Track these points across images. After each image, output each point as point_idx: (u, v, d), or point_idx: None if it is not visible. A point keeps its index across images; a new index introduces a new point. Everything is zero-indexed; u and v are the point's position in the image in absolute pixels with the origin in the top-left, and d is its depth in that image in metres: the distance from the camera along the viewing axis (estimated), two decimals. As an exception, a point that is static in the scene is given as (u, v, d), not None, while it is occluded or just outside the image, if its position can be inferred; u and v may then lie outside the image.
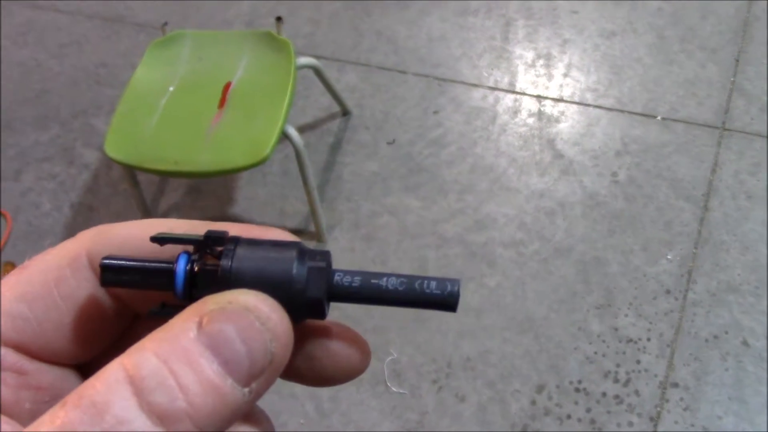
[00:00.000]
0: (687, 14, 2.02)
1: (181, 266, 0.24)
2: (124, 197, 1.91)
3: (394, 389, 1.48)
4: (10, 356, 0.24)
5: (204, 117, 1.56)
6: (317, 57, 1.93)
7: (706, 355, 1.43)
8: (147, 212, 1.82)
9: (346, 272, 0.25)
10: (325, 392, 1.49)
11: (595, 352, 1.46)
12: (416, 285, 0.25)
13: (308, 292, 0.24)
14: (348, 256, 1.68)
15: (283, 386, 1.49)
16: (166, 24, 1.72)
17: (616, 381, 1.42)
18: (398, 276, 0.25)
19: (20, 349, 0.24)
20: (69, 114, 2.18)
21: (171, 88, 1.63)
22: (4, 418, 0.23)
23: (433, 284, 0.25)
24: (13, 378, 0.24)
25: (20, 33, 2.47)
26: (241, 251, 0.24)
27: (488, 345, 1.50)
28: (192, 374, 0.20)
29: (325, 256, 0.25)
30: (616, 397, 1.41)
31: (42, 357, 0.25)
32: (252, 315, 0.22)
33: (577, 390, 1.42)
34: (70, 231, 1.88)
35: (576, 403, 1.41)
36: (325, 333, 0.27)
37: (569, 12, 2.12)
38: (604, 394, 1.41)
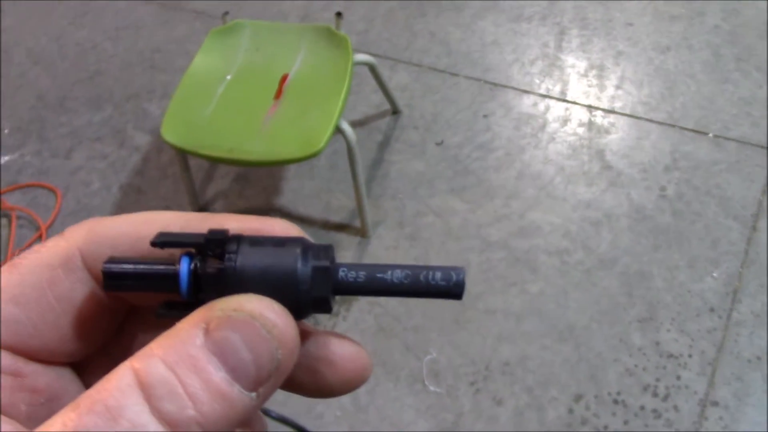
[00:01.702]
0: (745, 33, 2.01)
1: (184, 269, 0.24)
2: (172, 181, 1.94)
3: (431, 388, 1.49)
4: (6, 359, 0.24)
5: (260, 107, 1.58)
6: (370, 54, 1.95)
7: (748, 376, 1.42)
8: (195, 198, 1.85)
9: (350, 267, 0.25)
10: (362, 387, 1.50)
11: (636, 365, 1.46)
12: (421, 277, 0.25)
13: (314, 292, 0.24)
14: (392, 253, 1.69)
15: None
16: (227, 13, 1.75)
17: (656, 395, 1.42)
18: (403, 268, 0.25)
19: (16, 351, 0.24)
20: (122, 96, 2.22)
21: (228, 77, 1.65)
22: (4, 418, 0.23)
23: (438, 275, 0.25)
24: (10, 380, 0.24)
25: (78, 14, 2.52)
26: (244, 251, 0.24)
27: (528, 351, 1.51)
28: (200, 382, 0.20)
29: (329, 252, 0.25)
30: (655, 411, 1.40)
31: (38, 358, 0.25)
32: (258, 323, 0.22)
33: (616, 402, 1.42)
34: (119, 210, 1.91)
35: (614, 414, 1.40)
36: (326, 345, 0.27)
37: (624, 24, 2.11)
38: (642, 408, 1.41)
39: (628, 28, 2.10)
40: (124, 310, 0.27)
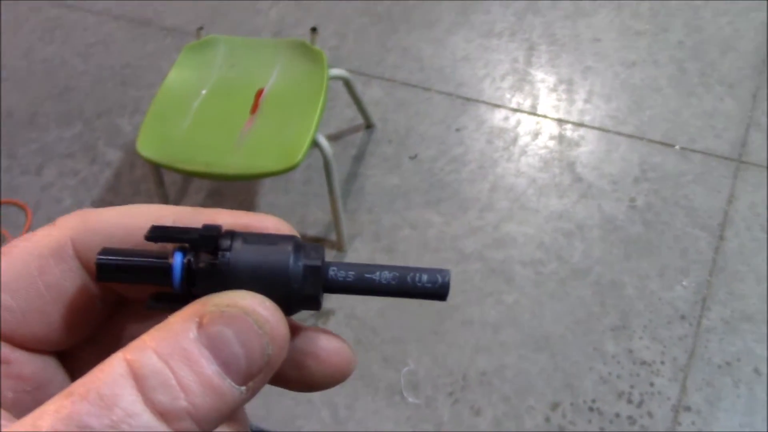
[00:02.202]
0: (707, 49, 2.07)
1: (177, 263, 0.24)
2: (146, 197, 1.93)
3: (410, 399, 1.49)
4: None
5: (236, 121, 1.58)
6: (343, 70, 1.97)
7: (718, 381, 1.45)
8: (170, 212, 1.84)
9: (340, 266, 0.26)
10: (341, 399, 1.51)
11: (610, 373, 1.48)
12: (408, 279, 0.26)
13: (305, 290, 0.25)
14: (368, 266, 1.70)
15: (300, 393, 1.51)
16: (201, 28, 1.75)
17: (630, 402, 1.44)
18: (391, 269, 0.26)
19: (3, 338, 0.24)
20: (93, 112, 2.20)
21: (204, 92, 1.65)
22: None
23: (425, 277, 0.26)
24: None
25: (48, 30, 2.50)
26: (237, 247, 0.24)
27: (504, 360, 1.53)
28: (192, 374, 0.21)
29: (319, 251, 0.26)
30: (630, 417, 1.43)
31: (25, 345, 0.25)
32: (250, 318, 0.22)
33: (591, 409, 1.44)
34: (91, 227, 1.89)
35: (590, 422, 1.43)
36: (312, 340, 0.27)
37: (592, 39, 2.16)
38: (617, 415, 1.43)
39: (595, 44, 2.15)
40: (112, 300, 0.28)
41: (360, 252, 1.73)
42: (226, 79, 1.68)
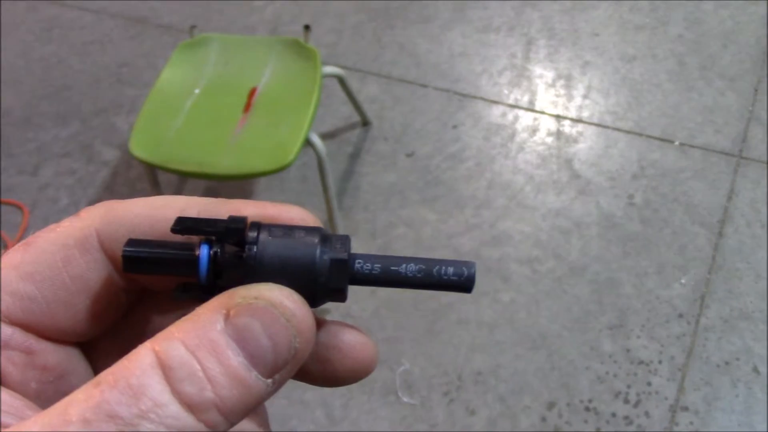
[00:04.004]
0: (708, 43, 2.04)
1: (203, 256, 0.24)
2: (141, 196, 1.92)
3: (405, 399, 1.48)
4: (18, 336, 0.24)
5: (229, 121, 1.57)
6: (339, 67, 1.95)
7: (717, 381, 1.44)
8: (165, 212, 1.83)
9: (366, 259, 0.26)
10: (336, 400, 1.50)
11: (607, 372, 1.47)
12: (434, 271, 0.25)
13: (331, 283, 0.25)
14: (363, 265, 1.69)
15: (293, 392, 1.50)
16: (194, 27, 1.74)
17: (627, 402, 1.43)
18: (417, 261, 0.26)
19: (28, 328, 0.24)
20: (90, 111, 2.20)
21: (197, 91, 1.64)
22: (17, 395, 0.23)
23: (450, 270, 0.25)
24: (21, 357, 0.24)
25: (44, 29, 2.49)
26: (263, 240, 0.24)
27: (500, 360, 1.51)
28: (219, 366, 0.21)
29: (345, 242, 0.25)
30: (626, 417, 1.41)
31: (49, 336, 0.25)
32: (278, 311, 0.22)
33: (588, 409, 1.43)
34: (87, 227, 1.89)
35: (586, 422, 1.41)
36: (336, 334, 0.27)
37: (590, 34, 2.14)
38: (614, 415, 1.42)
39: (594, 38, 2.13)
40: (136, 292, 0.28)
41: (355, 251, 1.72)
42: (219, 78, 1.66)
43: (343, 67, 2.05)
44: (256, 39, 1.77)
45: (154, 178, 1.75)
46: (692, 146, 1.82)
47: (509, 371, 1.49)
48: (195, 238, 0.24)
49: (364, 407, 1.48)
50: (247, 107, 1.59)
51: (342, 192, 1.84)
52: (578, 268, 1.63)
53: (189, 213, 0.26)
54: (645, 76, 2.00)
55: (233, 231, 0.24)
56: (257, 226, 0.24)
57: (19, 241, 1.89)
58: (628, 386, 1.45)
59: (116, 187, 1.97)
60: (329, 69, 1.69)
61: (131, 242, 0.25)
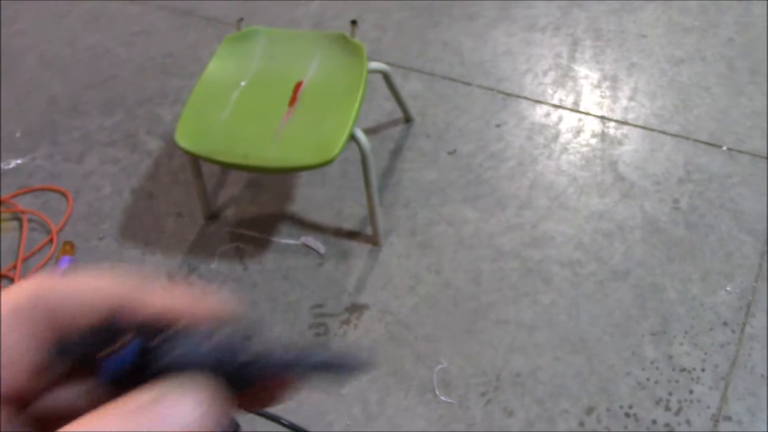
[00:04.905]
0: (758, 47, 2.00)
1: (107, 368, 0.26)
2: (184, 186, 1.94)
3: (442, 398, 1.48)
4: None
5: (274, 114, 1.58)
6: (383, 63, 1.95)
7: (761, 391, 1.41)
8: (207, 204, 1.85)
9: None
10: (373, 395, 1.50)
11: (648, 379, 1.45)
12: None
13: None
14: (403, 262, 1.69)
15: (331, 386, 1.50)
16: (241, 20, 1.75)
17: (668, 409, 1.41)
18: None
19: None
20: (134, 101, 2.22)
21: (243, 83, 1.65)
22: None
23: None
24: None
25: (91, 19, 2.53)
26: (170, 348, 0.26)
27: (539, 362, 1.50)
28: None
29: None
30: (667, 425, 1.39)
31: None
32: (175, 412, 0.24)
33: (627, 415, 1.41)
34: (129, 215, 1.91)
35: (625, 428, 1.39)
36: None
37: (637, 35, 2.11)
38: (654, 422, 1.40)
39: (641, 40, 2.09)
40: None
41: (395, 247, 1.72)
42: (265, 71, 1.67)
43: (386, 63, 2.05)
44: (302, 33, 1.77)
45: (198, 169, 1.76)
46: (740, 151, 1.78)
47: (548, 374, 1.48)
48: (123, 325, 0.27)
49: (401, 404, 1.48)
50: (293, 101, 1.60)
51: (383, 188, 1.84)
52: (621, 272, 1.61)
53: (110, 300, 0.27)
54: (693, 79, 1.97)
55: (143, 348, 0.26)
56: (166, 336, 0.26)
57: (62, 228, 1.93)
58: (670, 393, 1.42)
59: (159, 177, 1.99)
60: (375, 65, 1.69)
61: (60, 341, 0.27)
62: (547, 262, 1.65)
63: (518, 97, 2.00)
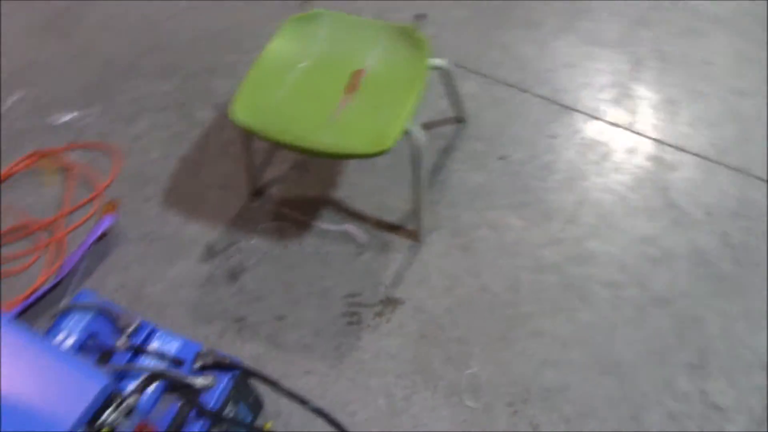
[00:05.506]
0: (827, 87, 1.96)
1: None
2: (232, 159, 1.95)
3: (468, 403, 1.47)
4: None
5: (331, 98, 1.57)
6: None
7: (795, 438, 1.38)
8: (253, 179, 1.85)
9: None
10: (399, 391, 1.49)
11: (680, 411, 1.42)
12: None
13: None
14: (443, 261, 1.68)
15: (358, 375, 1.49)
16: (308, 0, 1.74)
17: (697, 444, 1.38)
18: None
19: None
20: (190, 70, 2.23)
21: (303, 64, 1.65)
22: None
23: None
24: None
25: (156, -17, 2.53)
26: None
27: (570, 379, 1.48)
28: None
29: None
30: (694, 460, 1.37)
31: None
32: None
33: (654, 444, 1.39)
34: (174, 182, 1.92)
35: (651, 457, 1.37)
36: None
37: (702, 62, 2.07)
38: (681, 455, 1.37)
39: (705, 67, 2.06)
40: None
41: (435, 246, 1.71)
42: (326, 55, 1.66)
43: (446, 61, 2.03)
44: (367, 21, 1.76)
45: (248, 144, 1.76)
46: (797, 192, 1.74)
47: (578, 393, 1.46)
48: None
49: (427, 403, 1.47)
50: (351, 87, 1.59)
51: (429, 185, 1.82)
52: (662, 299, 1.58)
53: None
54: (755, 112, 1.93)
55: None
56: None
57: (108, 187, 1.94)
58: (701, 429, 1.40)
59: (208, 147, 2.00)
60: (438, 61, 1.67)
61: None
62: (588, 280, 1.62)
63: (574, 110, 1.97)
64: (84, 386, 1.04)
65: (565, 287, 1.62)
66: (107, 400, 1.07)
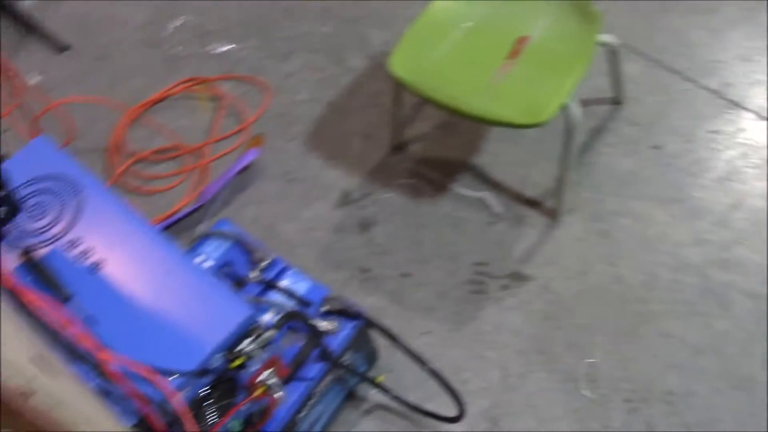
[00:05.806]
0: None
1: None
2: (378, 110, 1.96)
3: (584, 392, 1.43)
4: None
5: (491, 63, 1.54)
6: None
7: None
8: (397, 133, 1.85)
9: None
10: (515, 367, 1.48)
11: (812, 441, 1.34)
12: None
13: None
14: (578, 245, 1.63)
15: (474, 345, 1.49)
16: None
17: (826, 479, 1.30)
18: None
19: None
20: (348, 17, 2.24)
21: (466, 24, 1.62)
22: None
23: None
24: None
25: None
26: None
27: (696, 387, 1.42)
28: None
29: None
30: (820, 495, 1.29)
31: None
32: None
33: (779, 471, 1.32)
34: (319, 125, 1.96)
35: (773, 483, 1.30)
36: None
37: None
38: (807, 487, 1.30)
39: None
40: None
41: (572, 228, 1.66)
42: (491, 18, 1.63)
43: (610, 38, 1.95)
44: (538, -13, 1.70)
45: (399, 98, 1.76)
46: None
47: (703, 402, 1.40)
48: None
49: (542, 384, 1.45)
50: (513, 54, 1.55)
51: (575, 165, 1.77)
52: (811, 321, 1.48)
53: None
54: None
55: None
56: None
57: (255, 121, 2.00)
58: (833, 464, 1.31)
59: (357, 95, 2.01)
60: (607, 37, 1.61)
61: None
62: (731, 287, 1.54)
63: (741, 107, 1.85)
64: (229, 313, 1.08)
65: (704, 291, 1.54)
66: (248, 330, 1.11)
